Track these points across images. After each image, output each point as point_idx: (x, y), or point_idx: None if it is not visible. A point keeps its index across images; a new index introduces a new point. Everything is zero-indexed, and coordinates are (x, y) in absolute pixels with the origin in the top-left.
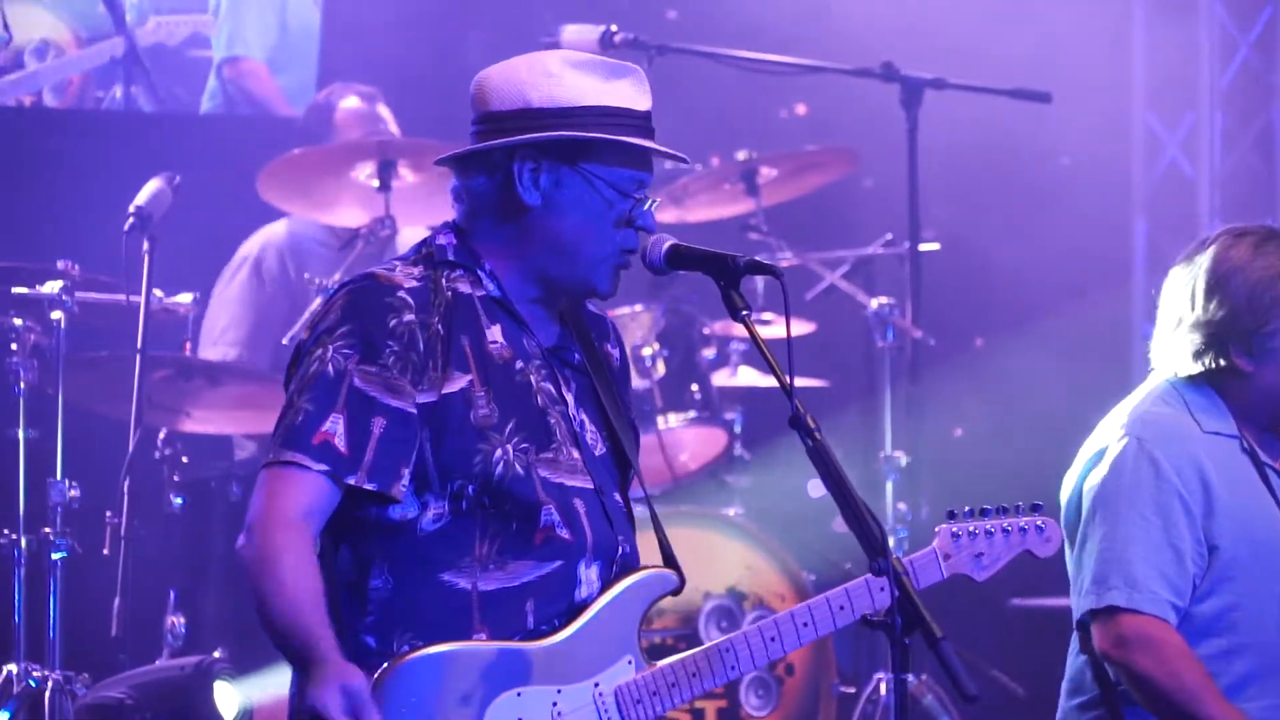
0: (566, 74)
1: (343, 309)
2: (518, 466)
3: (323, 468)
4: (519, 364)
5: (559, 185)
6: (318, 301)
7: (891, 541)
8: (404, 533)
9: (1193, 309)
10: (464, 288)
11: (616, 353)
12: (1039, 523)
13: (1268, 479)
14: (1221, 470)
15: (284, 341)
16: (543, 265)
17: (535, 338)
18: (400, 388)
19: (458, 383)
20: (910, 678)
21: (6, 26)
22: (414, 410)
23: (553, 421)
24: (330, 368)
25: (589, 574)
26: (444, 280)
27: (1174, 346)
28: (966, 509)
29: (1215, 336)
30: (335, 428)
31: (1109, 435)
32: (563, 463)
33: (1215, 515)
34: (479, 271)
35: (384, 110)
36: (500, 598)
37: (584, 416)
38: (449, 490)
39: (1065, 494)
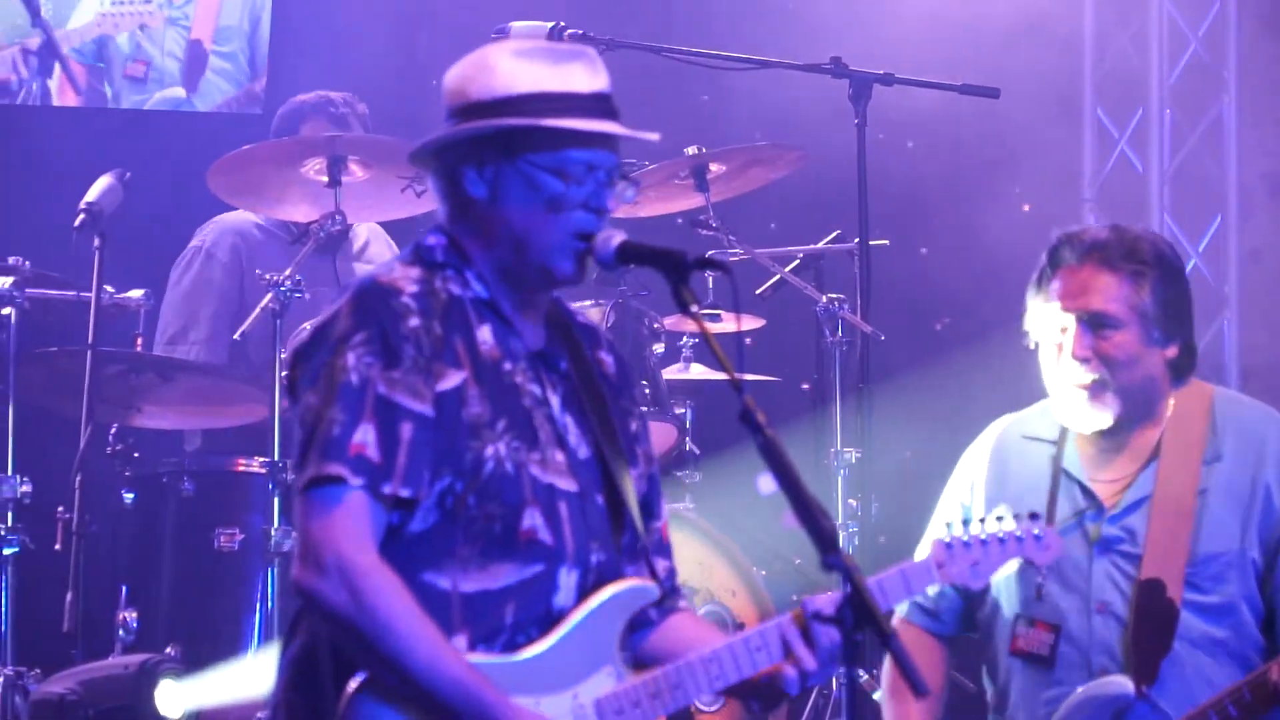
0: (503, 64)
1: (355, 315)
2: (508, 465)
3: (359, 481)
4: (507, 364)
5: (500, 176)
6: (269, 298)
7: (842, 537)
8: (393, 533)
9: None
10: (455, 289)
11: (611, 359)
12: (1035, 530)
13: (1057, 488)
14: (1014, 471)
15: (235, 337)
16: (502, 258)
17: (522, 339)
18: (420, 391)
19: (451, 380)
20: (861, 673)
21: None
22: (432, 413)
23: (538, 422)
24: (354, 376)
25: (568, 580)
26: (437, 282)
27: None
28: (964, 521)
29: None
30: (366, 438)
31: None
32: (550, 463)
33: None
34: (467, 273)
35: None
36: (480, 600)
37: (568, 420)
38: (436, 489)
39: None
